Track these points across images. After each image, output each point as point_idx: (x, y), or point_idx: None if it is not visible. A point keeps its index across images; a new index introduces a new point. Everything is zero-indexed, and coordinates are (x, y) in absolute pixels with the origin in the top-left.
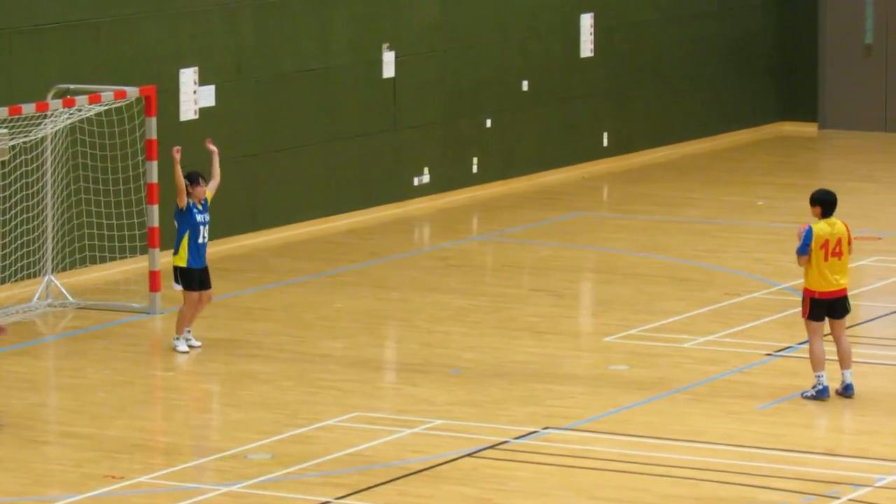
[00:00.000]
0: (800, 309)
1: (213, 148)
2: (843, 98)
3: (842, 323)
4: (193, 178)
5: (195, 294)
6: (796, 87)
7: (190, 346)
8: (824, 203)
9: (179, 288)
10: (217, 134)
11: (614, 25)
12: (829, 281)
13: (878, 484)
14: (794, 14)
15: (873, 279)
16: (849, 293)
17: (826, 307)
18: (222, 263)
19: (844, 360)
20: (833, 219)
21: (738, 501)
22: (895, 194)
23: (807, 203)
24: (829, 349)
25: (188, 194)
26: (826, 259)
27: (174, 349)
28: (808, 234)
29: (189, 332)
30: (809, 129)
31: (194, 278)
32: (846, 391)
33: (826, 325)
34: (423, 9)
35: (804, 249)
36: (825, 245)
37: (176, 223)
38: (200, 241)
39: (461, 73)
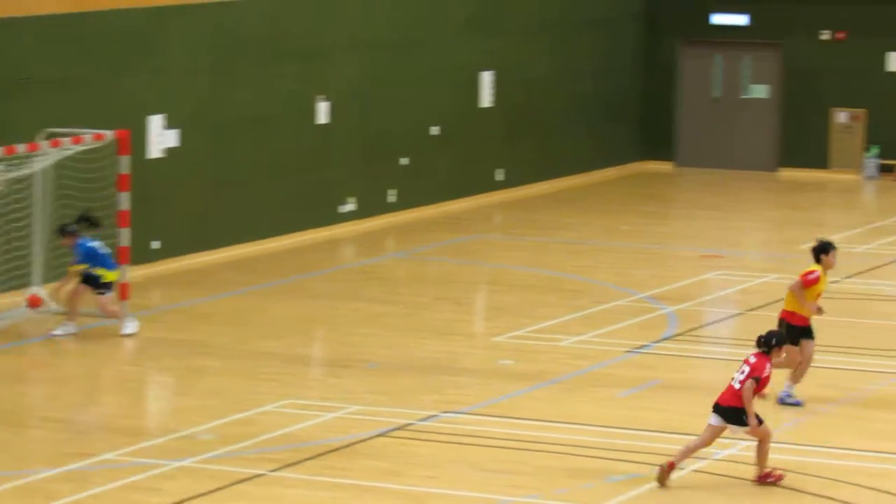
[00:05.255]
0: (653, 315)
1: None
2: (694, 141)
3: (802, 344)
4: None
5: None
6: (656, 132)
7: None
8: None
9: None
10: (178, 169)
11: (509, 81)
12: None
13: (715, 457)
14: (656, 74)
15: (715, 289)
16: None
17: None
18: (180, 276)
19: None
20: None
21: (601, 472)
22: (736, 220)
23: (663, 228)
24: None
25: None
26: None
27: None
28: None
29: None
30: (667, 166)
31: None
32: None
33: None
34: (350, 67)
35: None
36: None
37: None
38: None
39: (382, 120)
